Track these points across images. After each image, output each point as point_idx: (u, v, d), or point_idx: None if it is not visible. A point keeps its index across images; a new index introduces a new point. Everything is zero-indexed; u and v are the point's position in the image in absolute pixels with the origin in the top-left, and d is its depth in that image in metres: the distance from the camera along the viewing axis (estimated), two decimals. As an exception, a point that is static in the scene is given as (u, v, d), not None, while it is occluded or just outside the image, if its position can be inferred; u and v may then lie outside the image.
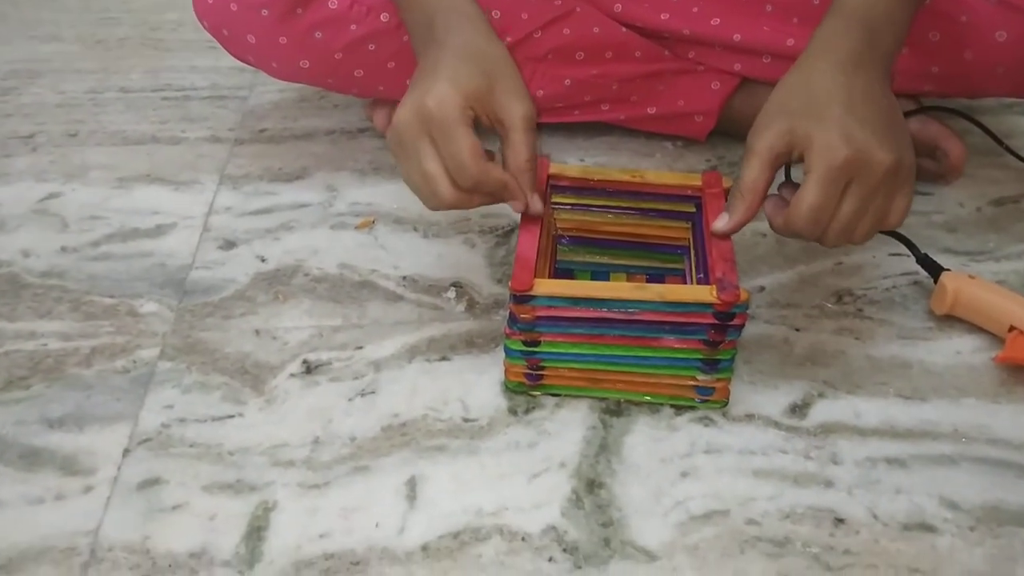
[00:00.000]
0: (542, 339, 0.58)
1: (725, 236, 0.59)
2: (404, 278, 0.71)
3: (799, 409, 0.60)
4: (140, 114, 0.93)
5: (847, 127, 0.54)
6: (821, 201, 0.54)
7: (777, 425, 0.59)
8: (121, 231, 0.76)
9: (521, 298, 0.56)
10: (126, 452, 0.58)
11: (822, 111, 0.55)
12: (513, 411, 0.60)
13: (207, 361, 0.64)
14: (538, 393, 0.61)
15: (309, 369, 0.63)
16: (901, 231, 0.71)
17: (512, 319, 0.58)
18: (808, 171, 0.55)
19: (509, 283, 0.56)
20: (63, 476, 0.56)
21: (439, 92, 0.55)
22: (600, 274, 0.69)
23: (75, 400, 0.61)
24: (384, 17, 0.77)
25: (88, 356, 0.64)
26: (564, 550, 0.52)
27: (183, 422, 0.60)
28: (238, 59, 0.83)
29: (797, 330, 0.66)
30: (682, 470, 0.56)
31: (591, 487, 0.55)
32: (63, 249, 0.74)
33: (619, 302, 0.56)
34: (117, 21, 1.11)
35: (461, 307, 0.68)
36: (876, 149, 0.54)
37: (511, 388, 0.61)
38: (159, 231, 0.76)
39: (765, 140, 0.56)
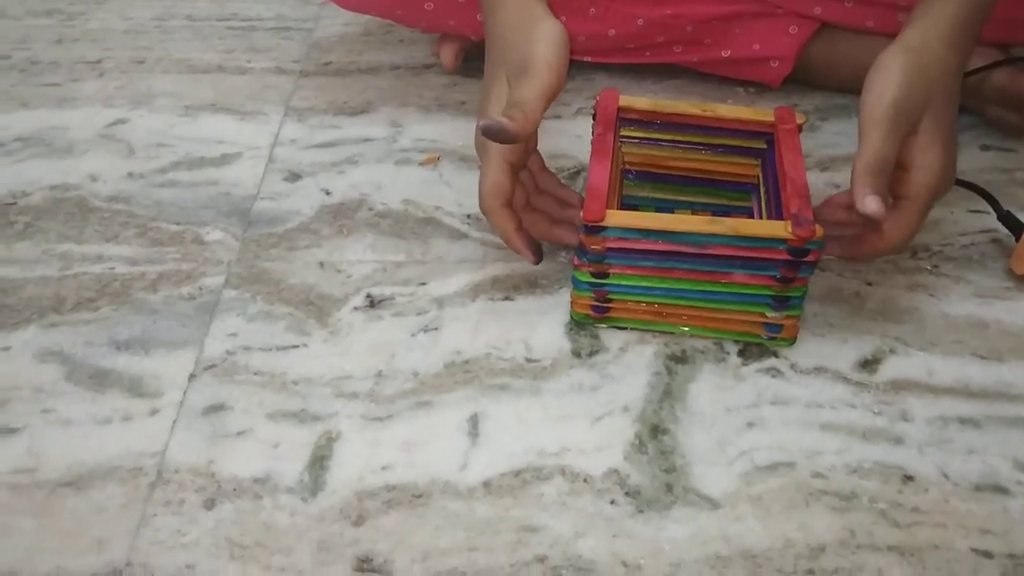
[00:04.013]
0: (611, 271, 0.58)
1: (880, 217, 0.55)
2: (468, 216, 0.70)
3: (869, 364, 0.59)
4: (206, 43, 0.92)
5: (950, 154, 0.58)
6: (918, 227, 0.58)
7: (846, 379, 0.58)
8: (187, 159, 0.76)
9: (592, 229, 0.56)
10: (191, 377, 0.58)
11: (939, 129, 0.57)
12: (577, 353, 0.60)
13: (272, 291, 0.64)
14: (604, 326, 0.61)
15: (373, 303, 0.63)
16: (983, 186, 0.68)
17: (581, 250, 0.57)
18: (914, 197, 0.57)
19: (580, 214, 0.55)
20: (130, 398, 0.57)
21: (482, 112, 0.60)
22: (665, 210, 0.67)
23: (142, 324, 0.62)
24: (455, -51, 0.76)
25: (154, 281, 0.65)
26: (626, 493, 0.51)
27: (248, 350, 0.60)
28: (306, -12, 0.82)
29: (869, 284, 0.65)
30: (748, 420, 0.55)
31: (655, 433, 0.55)
32: (130, 175, 0.75)
33: (691, 235, 0.55)
34: (183, -51, 1.10)
35: (526, 247, 0.67)
36: (953, 176, 0.59)
37: (577, 320, 0.61)
38: (224, 160, 0.76)
39: (889, 119, 0.56)
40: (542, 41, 0.58)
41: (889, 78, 0.56)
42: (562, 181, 0.67)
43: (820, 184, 0.73)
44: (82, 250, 0.67)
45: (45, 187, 0.73)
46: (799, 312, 0.58)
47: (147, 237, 0.69)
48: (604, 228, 0.56)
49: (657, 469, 0.53)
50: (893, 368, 0.59)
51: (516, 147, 0.59)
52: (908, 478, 0.52)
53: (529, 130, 0.56)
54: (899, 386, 0.58)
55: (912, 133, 0.57)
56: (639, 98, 0.65)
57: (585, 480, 0.52)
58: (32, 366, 0.59)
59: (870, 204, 0.54)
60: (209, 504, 0.51)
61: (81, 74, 0.87)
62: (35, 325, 0.61)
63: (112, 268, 0.66)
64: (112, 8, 0.97)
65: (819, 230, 0.54)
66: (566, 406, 0.56)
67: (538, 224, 0.63)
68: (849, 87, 0.82)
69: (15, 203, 0.72)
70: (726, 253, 0.56)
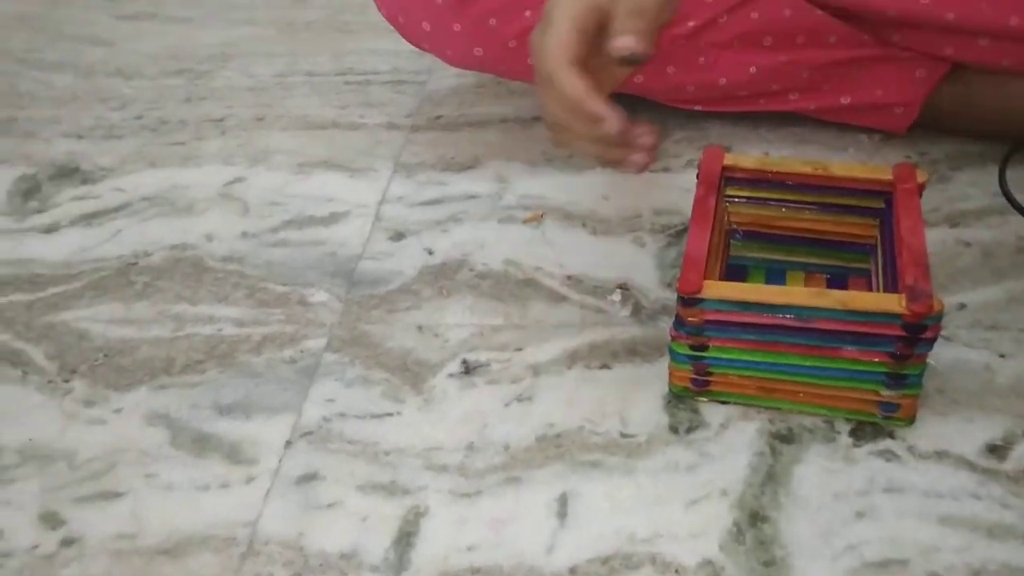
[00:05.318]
0: (710, 344, 0.55)
1: None
2: (569, 277, 0.69)
3: (999, 449, 0.54)
4: (323, 99, 0.94)
5: None
6: None
7: (971, 466, 0.53)
8: (298, 218, 0.78)
9: (688, 301, 0.53)
10: (288, 444, 0.59)
11: None
12: (674, 429, 0.57)
13: (370, 355, 0.64)
14: (704, 399, 0.58)
15: (468, 370, 0.62)
16: None
17: (679, 322, 0.55)
18: None
19: (676, 284, 0.53)
20: (229, 464, 0.58)
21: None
22: (776, 272, 0.64)
23: (245, 388, 0.63)
24: (560, 1, 0.75)
25: (259, 344, 0.66)
26: (720, 588, 0.49)
27: (343, 417, 0.60)
28: (414, 46, 0.83)
29: (1002, 356, 0.59)
30: (858, 509, 0.52)
31: (754, 520, 0.52)
32: (244, 234, 0.77)
33: (795, 308, 0.52)
34: (307, 3, 1.14)
35: (626, 311, 0.65)
36: None
37: (675, 393, 0.59)
38: (333, 219, 0.78)
39: None
40: None
41: None
42: (665, 243, 0.65)
43: (949, 243, 0.68)
44: (195, 311, 0.70)
45: (166, 246, 0.76)
46: (917, 391, 0.54)
47: (255, 298, 0.70)
48: (701, 300, 0.53)
49: (755, 561, 0.50)
50: (1026, 454, 0.54)
51: (592, 11, 0.52)
52: (1039, 583, 0.47)
53: (655, 41, 0.51)
54: (1033, 475, 0.52)
55: None
56: (746, 156, 0.62)
57: (677, 571, 0.49)
58: (140, 429, 0.61)
59: None
60: (295, 579, 0.51)
61: (205, 132, 0.91)
62: (146, 387, 0.64)
63: (220, 330, 0.68)
64: (237, 66, 1.01)
65: (937, 304, 0.50)
66: (660, 487, 0.54)
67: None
68: (984, 133, 0.77)
69: (136, 263, 0.75)
70: (834, 328, 0.52)
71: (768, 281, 0.64)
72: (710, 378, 0.57)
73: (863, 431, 0.56)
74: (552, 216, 0.75)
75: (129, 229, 0.79)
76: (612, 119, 0.51)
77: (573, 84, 0.51)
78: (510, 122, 0.87)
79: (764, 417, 0.57)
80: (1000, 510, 0.51)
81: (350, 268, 0.72)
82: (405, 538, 0.53)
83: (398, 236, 0.75)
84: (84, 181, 0.85)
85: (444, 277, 0.70)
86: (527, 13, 0.75)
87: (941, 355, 0.59)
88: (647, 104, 0.83)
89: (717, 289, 0.53)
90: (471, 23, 0.76)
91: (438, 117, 0.89)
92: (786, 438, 0.56)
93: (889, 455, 0.54)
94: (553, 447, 0.57)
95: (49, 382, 0.64)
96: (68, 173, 0.86)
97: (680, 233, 0.72)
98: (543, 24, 0.53)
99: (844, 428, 0.56)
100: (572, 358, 0.62)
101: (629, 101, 0.83)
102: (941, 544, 0.49)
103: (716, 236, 0.59)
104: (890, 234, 0.58)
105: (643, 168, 0.55)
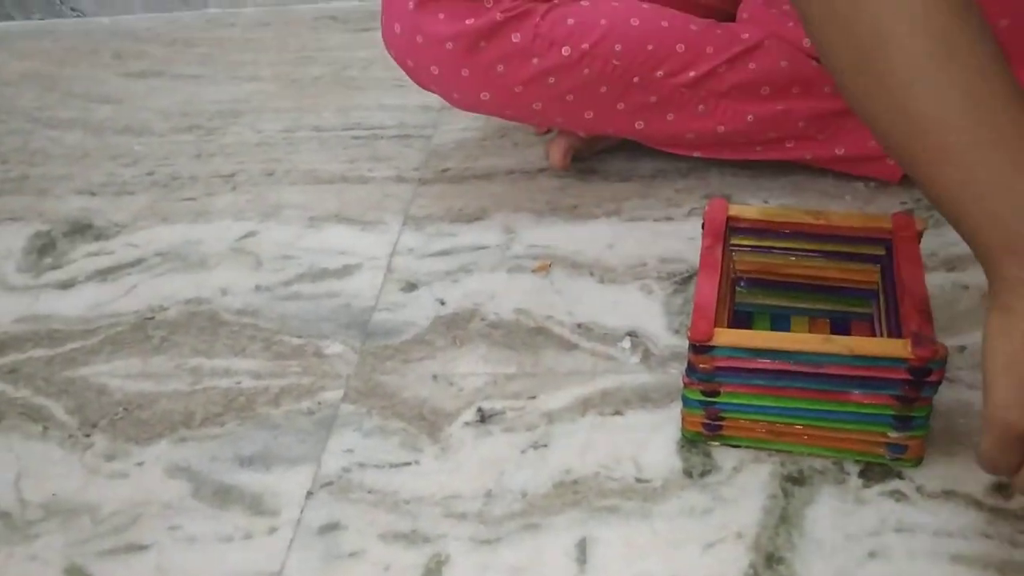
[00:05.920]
0: (722, 390, 0.57)
1: None
2: (579, 325, 0.71)
3: (1005, 488, 0.55)
4: (331, 153, 0.96)
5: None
6: (985, 454, 0.49)
7: (979, 505, 0.55)
8: (311, 271, 0.80)
9: (700, 348, 0.55)
10: (309, 495, 0.60)
11: None
12: (688, 473, 0.58)
13: (387, 405, 0.66)
14: (717, 443, 0.60)
15: (483, 418, 0.64)
16: None
17: (690, 369, 0.57)
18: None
19: (687, 332, 0.55)
20: (251, 515, 0.59)
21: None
22: (780, 317, 0.66)
23: (264, 440, 0.64)
24: (565, 51, 0.77)
25: (277, 396, 0.67)
26: (739, 630, 0.50)
27: (362, 467, 0.61)
28: (421, 87, 0.85)
29: (1004, 396, 0.61)
30: (870, 549, 0.53)
31: (770, 562, 0.53)
32: (257, 288, 0.78)
33: (804, 354, 0.54)
34: (312, 60, 1.16)
35: (636, 358, 0.67)
36: None
37: (688, 438, 0.60)
38: (346, 271, 0.79)
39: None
40: None
41: None
42: (672, 291, 0.67)
43: (947, 287, 0.70)
44: (212, 364, 0.71)
45: (180, 301, 0.78)
46: (924, 432, 0.56)
47: (271, 351, 0.72)
48: (712, 347, 0.55)
49: (772, 603, 0.51)
50: (1032, 492, 0.55)
51: None
52: (1051, 620, 0.49)
53: None
54: (1039, 512, 0.54)
55: None
56: (748, 207, 0.65)
57: (696, 614, 0.51)
58: (162, 482, 0.62)
59: None
60: (321, 629, 0.52)
61: (216, 188, 0.93)
62: (166, 440, 0.65)
63: (239, 382, 0.69)
64: (245, 122, 1.03)
65: (941, 349, 0.52)
66: (677, 531, 0.55)
67: None
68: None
69: (153, 318, 0.76)
70: (842, 372, 0.54)
71: (773, 326, 0.66)
72: (722, 423, 0.59)
73: (872, 472, 0.57)
74: (560, 265, 0.77)
75: (144, 284, 0.80)
76: None
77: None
78: (515, 173, 0.89)
79: (775, 460, 0.58)
80: (1010, 548, 0.52)
81: (364, 319, 0.74)
82: (428, 586, 0.54)
83: (410, 287, 0.76)
84: (98, 237, 0.86)
85: (456, 327, 0.72)
86: (534, 60, 0.77)
87: (946, 396, 0.61)
88: (648, 150, 0.85)
89: (727, 337, 0.55)
90: (480, 69, 0.78)
91: (445, 170, 0.91)
92: (797, 480, 0.57)
93: (898, 495, 0.56)
94: (570, 493, 0.58)
95: (70, 437, 0.66)
96: (82, 229, 0.88)
97: (686, 280, 0.73)
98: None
99: (853, 469, 0.57)
100: (585, 405, 0.64)
101: (630, 147, 0.86)
102: (953, 583, 0.51)
103: (723, 284, 0.60)
104: (891, 281, 0.60)
105: None
